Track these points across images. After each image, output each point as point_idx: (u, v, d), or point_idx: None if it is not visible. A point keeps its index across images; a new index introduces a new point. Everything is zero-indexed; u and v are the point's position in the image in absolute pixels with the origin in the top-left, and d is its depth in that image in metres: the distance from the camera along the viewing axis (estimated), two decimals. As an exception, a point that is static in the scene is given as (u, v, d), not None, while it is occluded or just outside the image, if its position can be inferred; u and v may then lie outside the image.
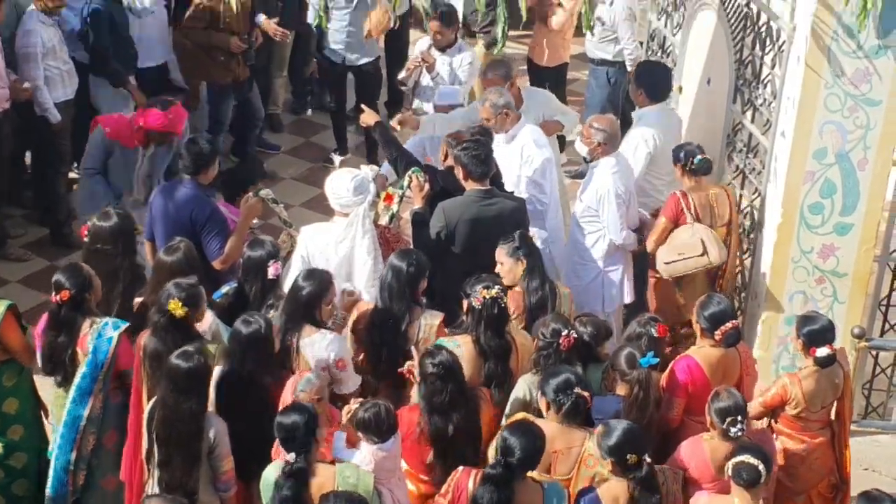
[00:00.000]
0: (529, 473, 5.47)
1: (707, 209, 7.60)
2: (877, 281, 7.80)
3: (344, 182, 7.04)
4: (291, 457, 5.34)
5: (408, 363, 6.19)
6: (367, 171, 7.54)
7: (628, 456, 5.45)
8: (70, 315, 6.29)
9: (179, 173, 7.61)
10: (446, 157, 7.68)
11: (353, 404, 5.80)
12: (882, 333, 8.09)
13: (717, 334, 6.36)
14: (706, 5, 8.34)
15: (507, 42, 8.26)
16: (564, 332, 6.18)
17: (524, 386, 6.17)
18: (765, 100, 7.54)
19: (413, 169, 7.47)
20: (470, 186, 7.28)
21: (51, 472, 6.38)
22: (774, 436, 6.54)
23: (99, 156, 8.22)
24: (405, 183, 7.49)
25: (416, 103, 9.78)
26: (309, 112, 11.91)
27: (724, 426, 5.81)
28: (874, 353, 7.90)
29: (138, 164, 8.17)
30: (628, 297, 7.98)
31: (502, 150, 7.90)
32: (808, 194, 7.25)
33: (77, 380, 6.25)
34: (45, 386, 6.71)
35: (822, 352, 6.35)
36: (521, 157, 7.97)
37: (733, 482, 5.58)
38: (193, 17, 9.88)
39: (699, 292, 7.16)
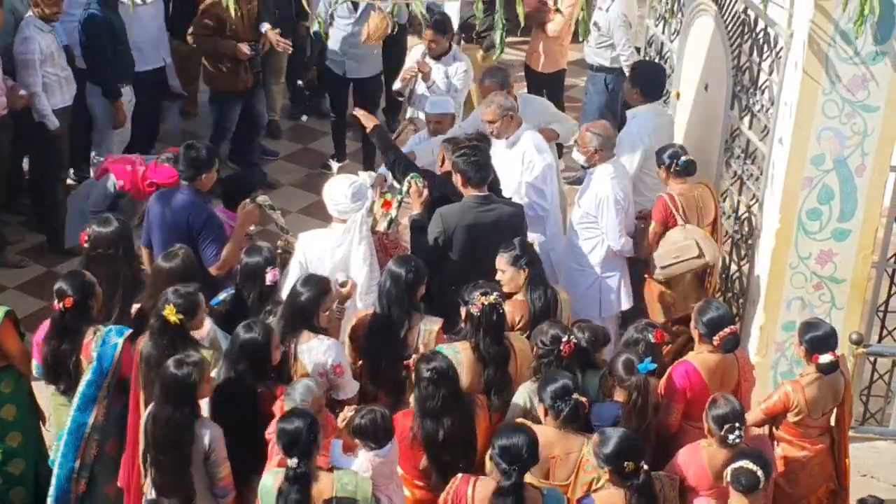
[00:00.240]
0: (528, 480, 5.46)
1: (694, 209, 7.64)
2: (874, 287, 7.78)
3: (342, 188, 7.03)
4: (294, 462, 5.33)
5: (413, 357, 6.14)
6: (365, 177, 7.55)
7: (625, 464, 5.45)
8: (74, 323, 6.28)
9: None
10: (444, 162, 7.68)
11: (349, 411, 5.79)
12: (880, 339, 8.08)
13: (716, 340, 6.35)
14: (703, 11, 8.34)
15: (504, 48, 8.24)
16: (564, 338, 6.18)
17: (524, 394, 6.16)
18: (762, 106, 7.53)
19: (412, 174, 7.46)
20: (468, 192, 7.27)
21: (53, 481, 6.36)
22: (775, 442, 6.54)
23: (107, 203, 8.59)
24: (404, 188, 7.49)
25: (410, 112, 9.76)
26: (305, 118, 11.92)
27: (722, 433, 5.80)
28: (872, 359, 7.89)
29: (144, 208, 8.34)
30: (626, 303, 7.98)
31: (503, 155, 7.90)
32: (806, 200, 7.24)
33: (81, 387, 6.23)
34: (43, 393, 6.69)
35: (825, 358, 6.33)
36: (522, 163, 7.95)
37: (732, 488, 5.57)
38: (200, 23, 9.93)
39: (688, 290, 7.17)
